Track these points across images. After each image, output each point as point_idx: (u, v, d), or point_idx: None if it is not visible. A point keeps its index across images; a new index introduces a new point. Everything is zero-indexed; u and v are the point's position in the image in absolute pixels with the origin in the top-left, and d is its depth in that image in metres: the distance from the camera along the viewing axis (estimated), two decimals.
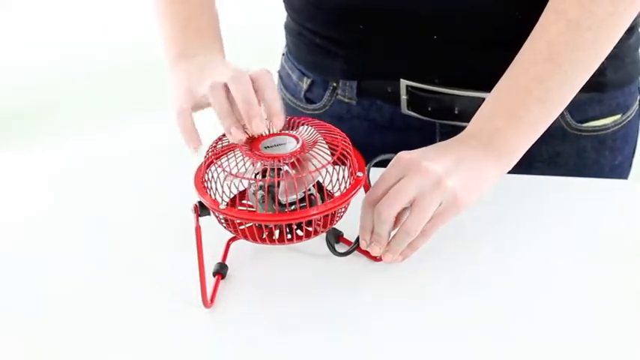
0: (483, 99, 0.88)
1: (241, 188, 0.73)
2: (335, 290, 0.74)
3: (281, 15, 1.03)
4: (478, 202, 0.74)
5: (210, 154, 0.72)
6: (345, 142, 0.71)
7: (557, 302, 0.72)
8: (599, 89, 0.91)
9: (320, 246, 0.77)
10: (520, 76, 0.78)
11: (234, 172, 0.67)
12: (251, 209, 0.72)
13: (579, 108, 0.90)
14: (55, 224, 0.85)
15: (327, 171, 0.69)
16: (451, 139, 0.79)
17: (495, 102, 0.79)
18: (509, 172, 0.78)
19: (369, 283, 0.75)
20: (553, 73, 0.77)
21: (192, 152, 0.77)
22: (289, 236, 0.70)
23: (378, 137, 0.97)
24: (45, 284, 0.76)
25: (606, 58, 0.79)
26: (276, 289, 0.74)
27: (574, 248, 0.79)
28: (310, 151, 0.69)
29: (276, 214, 0.69)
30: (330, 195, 0.71)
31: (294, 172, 0.68)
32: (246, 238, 0.71)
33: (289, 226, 0.70)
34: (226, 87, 0.74)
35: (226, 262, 0.76)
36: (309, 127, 0.72)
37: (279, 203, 0.69)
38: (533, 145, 0.79)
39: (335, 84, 0.98)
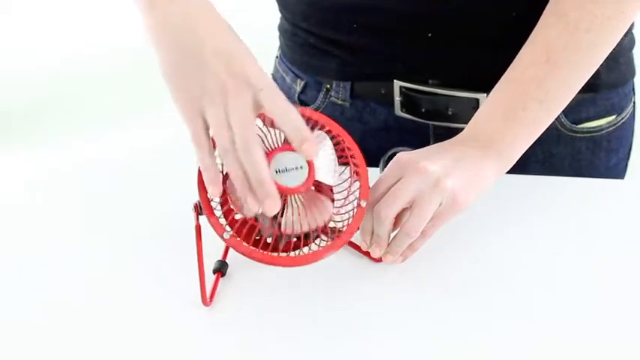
0: (477, 100, 0.89)
1: None
2: (335, 290, 0.74)
3: (274, 17, 1.03)
4: (477, 202, 0.75)
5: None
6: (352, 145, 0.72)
7: (557, 302, 0.72)
8: (592, 90, 0.91)
9: None
10: (519, 77, 0.78)
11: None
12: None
13: (573, 109, 0.90)
14: (55, 224, 0.85)
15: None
16: (450, 140, 0.79)
17: (494, 103, 0.80)
18: (506, 173, 0.79)
19: (370, 282, 0.75)
20: (552, 75, 0.77)
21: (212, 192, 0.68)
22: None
23: (371, 139, 0.97)
24: (44, 283, 0.76)
25: None
26: (276, 288, 0.74)
27: (573, 248, 0.79)
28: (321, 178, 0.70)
29: (281, 257, 0.69)
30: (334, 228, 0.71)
31: (302, 207, 0.68)
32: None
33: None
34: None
35: (226, 260, 0.76)
36: (321, 136, 0.71)
37: (281, 230, 0.69)
38: None
39: (328, 86, 0.98)
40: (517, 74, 0.79)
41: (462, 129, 0.81)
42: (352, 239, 0.74)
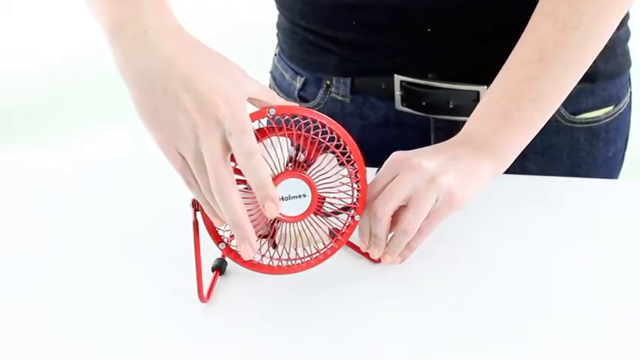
0: (478, 92, 0.89)
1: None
2: (334, 289, 0.74)
3: (272, 15, 1.03)
4: (474, 201, 0.75)
5: None
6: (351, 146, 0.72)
7: (555, 301, 0.72)
8: (590, 80, 0.91)
9: None
10: (511, 77, 0.79)
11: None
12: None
13: (572, 99, 0.90)
14: (55, 223, 0.85)
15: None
16: (445, 141, 0.79)
17: (488, 104, 0.80)
18: (505, 172, 0.79)
19: (369, 282, 0.75)
20: (544, 73, 0.77)
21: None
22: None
23: (372, 135, 0.97)
24: (44, 282, 0.76)
25: None
26: (275, 287, 0.74)
27: (571, 247, 0.79)
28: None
29: (276, 267, 0.72)
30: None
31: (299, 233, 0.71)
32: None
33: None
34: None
35: (225, 259, 0.76)
36: (327, 157, 0.71)
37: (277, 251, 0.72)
38: None
39: (328, 82, 0.98)
40: (510, 74, 0.79)
41: (462, 122, 0.81)
42: (351, 239, 0.75)
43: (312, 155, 0.70)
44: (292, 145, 0.69)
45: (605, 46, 0.80)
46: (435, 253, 0.78)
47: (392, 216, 0.73)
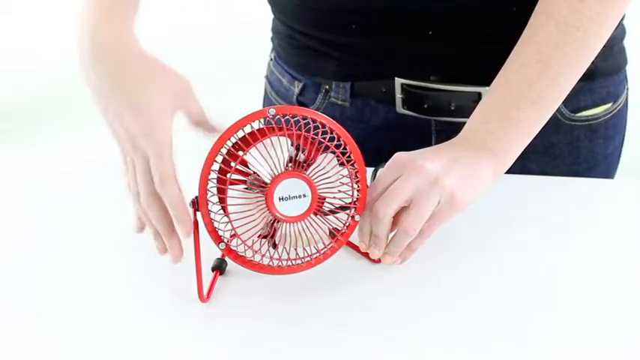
0: (479, 93, 0.89)
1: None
2: (334, 289, 0.74)
3: (267, 19, 1.02)
4: (475, 202, 0.75)
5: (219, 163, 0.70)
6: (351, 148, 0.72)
7: (556, 302, 0.72)
8: (589, 78, 0.91)
9: None
10: (511, 79, 0.79)
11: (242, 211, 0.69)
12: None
13: (572, 98, 0.90)
14: (54, 223, 0.86)
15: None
16: (446, 142, 0.79)
17: (488, 105, 0.80)
18: (506, 172, 0.79)
19: (369, 282, 0.75)
20: (544, 74, 0.77)
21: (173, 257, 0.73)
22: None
23: (372, 138, 0.97)
24: (44, 282, 0.76)
25: None
26: (275, 287, 0.74)
27: (572, 248, 0.80)
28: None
29: (276, 267, 0.72)
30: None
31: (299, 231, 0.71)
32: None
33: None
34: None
35: (225, 259, 0.76)
36: (328, 157, 0.71)
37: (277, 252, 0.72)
38: None
39: (327, 86, 0.98)
40: (510, 75, 0.79)
41: (463, 123, 0.81)
42: (351, 239, 0.75)
43: (312, 155, 0.70)
44: (292, 145, 0.69)
45: (604, 44, 0.80)
46: (435, 253, 0.78)
47: (392, 216, 0.73)
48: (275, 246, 0.71)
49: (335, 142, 0.70)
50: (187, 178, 0.75)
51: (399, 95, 0.94)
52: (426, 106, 0.93)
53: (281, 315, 0.71)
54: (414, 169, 0.73)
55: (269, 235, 0.71)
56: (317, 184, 0.70)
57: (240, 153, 0.68)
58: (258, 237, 0.71)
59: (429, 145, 0.93)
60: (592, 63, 0.81)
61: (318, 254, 0.73)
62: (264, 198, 0.69)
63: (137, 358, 0.67)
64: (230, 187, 0.69)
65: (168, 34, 3.22)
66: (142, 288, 0.75)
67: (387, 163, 0.76)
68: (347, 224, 0.73)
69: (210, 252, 0.74)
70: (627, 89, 1.00)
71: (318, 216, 0.71)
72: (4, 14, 3.71)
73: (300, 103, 1.01)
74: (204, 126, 0.74)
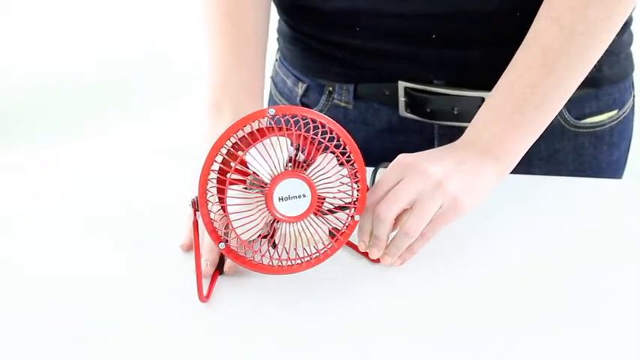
0: (483, 98, 0.89)
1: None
2: (334, 289, 0.74)
3: (273, 20, 1.02)
4: (478, 205, 0.75)
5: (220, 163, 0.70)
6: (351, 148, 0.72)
7: (560, 302, 0.72)
8: (595, 85, 0.91)
9: None
10: (515, 82, 0.79)
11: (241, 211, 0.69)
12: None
13: (577, 104, 0.91)
14: (54, 223, 0.85)
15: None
16: (449, 144, 0.79)
17: (491, 108, 0.80)
18: (510, 172, 0.79)
19: (369, 282, 0.75)
20: (548, 79, 0.78)
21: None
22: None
23: (375, 141, 0.97)
24: (43, 282, 0.76)
25: (602, 55, 0.80)
26: (275, 287, 0.74)
27: (573, 248, 0.79)
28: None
29: (276, 267, 0.72)
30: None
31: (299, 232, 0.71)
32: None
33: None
34: None
35: (225, 258, 0.76)
36: (326, 159, 0.70)
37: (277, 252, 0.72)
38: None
39: (331, 88, 0.98)
40: (513, 78, 0.79)
41: (466, 128, 0.81)
42: (351, 239, 0.75)
43: (311, 155, 0.70)
44: (292, 145, 0.69)
45: (610, 50, 0.81)
46: (437, 253, 0.77)
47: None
48: (275, 246, 0.71)
49: (335, 142, 0.70)
50: (187, 178, 0.75)
51: (402, 98, 0.94)
52: (429, 109, 0.93)
53: (281, 315, 0.71)
54: (418, 172, 0.73)
55: (269, 235, 0.71)
56: (317, 184, 0.69)
57: (240, 153, 0.68)
58: (258, 237, 0.70)
59: (433, 148, 0.93)
60: (598, 70, 0.81)
61: (317, 254, 0.73)
62: (263, 198, 0.68)
63: (137, 357, 0.67)
64: (230, 187, 0.68)
65: (172, 34, 3.23)
66: (141, 288, 0.75)
67: (391, 164, 0.76)
68: (347, 224, 0.73)
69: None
70: (634, 96, 1.00)
71: (317, 216, 0.71)
72: (4, 14, 3.71)
73: (304, 105, 1.01)
74: None
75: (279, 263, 0.72)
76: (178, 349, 0.67)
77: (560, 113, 0.92)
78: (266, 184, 0.68)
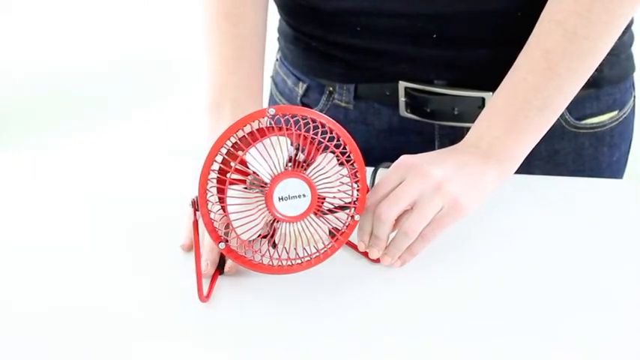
0: (483, 99, 0.89)
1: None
2: (334, 289, 0.74)
3: (274, 20, 1.02)
4: (479, 207, 0.75)
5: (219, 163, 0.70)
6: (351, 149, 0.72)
7: (560, 303, 0.72)
8: (596, 85, 0.91)
9: None
10: (518, 86, 0.79)
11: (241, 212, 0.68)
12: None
13: (577, 105, 0.91)
14: (54, 222, 0.85)
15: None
16: (451, 147, 0.80)
17: (494, 111, 0.80)
18: None
19: (369, 282, 0.75)
20: (551, 82, 0.78)
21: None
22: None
23: (376, 141, 0.97)
24: (43, 281, 0.76)
25: None
26: (275, 287, 0.74)
27: (573, 248, 0.79)
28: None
29: (276, 267, 0.72)
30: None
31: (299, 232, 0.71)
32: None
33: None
34: None
35: (226, 258, 0.76)
36: (326, 159, 0.70)
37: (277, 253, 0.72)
38: None
39: (331, 88, 0.98)
40: (516, 81, 0.79)
41: (467, 128, 0.81)
42: (351, 239, 0.75)
43: (311, 155, 0.70)
44: (292, 144, 0.69)
45: (611, 51, 0.81)
46: (437, 253, 0.77)
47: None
48: (275, 246, 0.71)
49: (335, 142, 0.70)
50: (187, 178, 0.75)
51: (402, 99, 0.94)
52: (429, 110, 0.93)
53: (281, 315, 0.71)
54: (419, 174, 0.73)
55: (269, 234, 0.71)
56: (317, 183, 0.69)
57: (240, 153, 0.68)
58: (258, 237, 0.70)
59: (433, 149, 0.93)
60: (599, 71, 0.81)
61: (317, 254, 0.73)
62: (263, 198, 0.68)
63: (137, 357, 0.67)
64: (230, 187, 0.68)
65: (173, 33, 3.23)
66: (142, 288, 0.75)
67: (393, 165, 0.76)
68: (347, 224, 0.73)
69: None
70: (634, 97, 1.00)
71: (317, 216, 0.71)
72: (4, 14, 3.71)
73: (304, 105, 1.01)
74: None
75: (279, 263, 0.72)
76: (178, 349, 0.67)
77: (561, 114, 0.92)
78: (266, 183, 0.68)
